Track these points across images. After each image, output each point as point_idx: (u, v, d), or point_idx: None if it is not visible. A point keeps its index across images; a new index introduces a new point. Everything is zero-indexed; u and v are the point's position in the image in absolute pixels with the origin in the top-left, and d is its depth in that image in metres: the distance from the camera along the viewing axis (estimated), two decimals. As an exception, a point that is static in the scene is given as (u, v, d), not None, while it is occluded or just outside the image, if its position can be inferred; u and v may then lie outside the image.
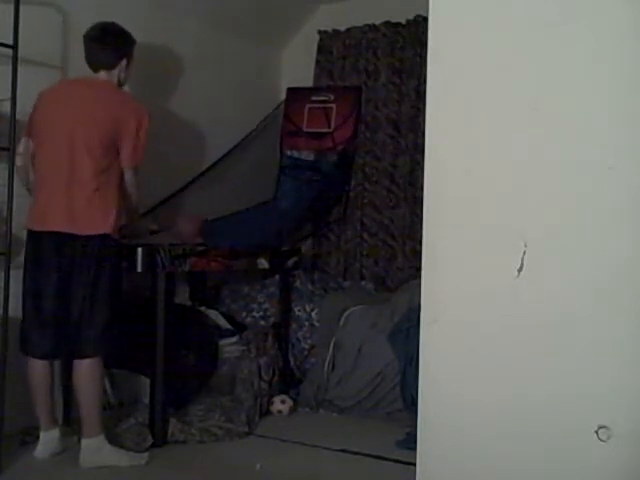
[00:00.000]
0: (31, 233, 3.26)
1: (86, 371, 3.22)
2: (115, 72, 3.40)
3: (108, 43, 3.38)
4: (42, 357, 3.26)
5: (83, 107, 3.27)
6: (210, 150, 4.67)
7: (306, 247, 5.07)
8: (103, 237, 3.22)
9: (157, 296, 3.54)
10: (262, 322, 4.52)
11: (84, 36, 3.38)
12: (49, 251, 3.22)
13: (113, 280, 3.28)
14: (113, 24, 3.43)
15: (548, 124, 1.76)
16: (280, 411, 4.12)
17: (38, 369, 3.27)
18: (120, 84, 3.45)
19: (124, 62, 3.42)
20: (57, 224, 3.21)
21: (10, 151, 3.12)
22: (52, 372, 3.34)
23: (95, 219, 3.21)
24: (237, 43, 4.95)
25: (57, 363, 3.48)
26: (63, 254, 3.21)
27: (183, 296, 4.43)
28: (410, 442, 3.19)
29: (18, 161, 3.26)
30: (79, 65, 3.45)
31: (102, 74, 3.39)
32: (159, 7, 4.28)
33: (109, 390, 3.81)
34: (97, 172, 3.22)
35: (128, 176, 3.36)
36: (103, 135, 3.24)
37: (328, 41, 5.27)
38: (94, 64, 3.39)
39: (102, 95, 3.34)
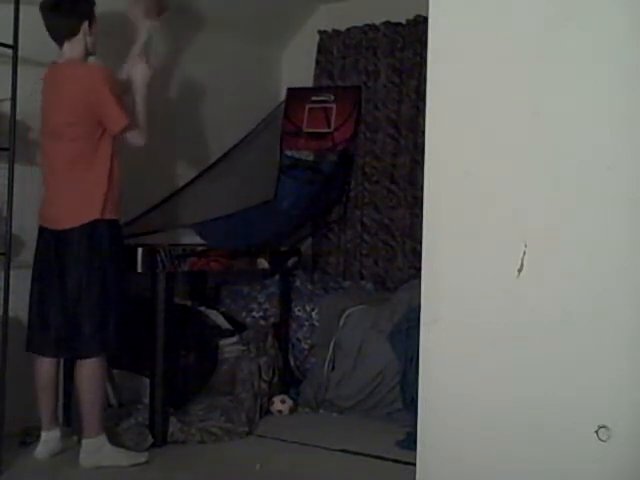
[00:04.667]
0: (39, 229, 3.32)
1: (87, 372, 3.21)
2: (80, 39, 3.24)
3: (64, 9, 3.22)
4: (45, 355, 3.26)
5: (52, 100, 3.23)
6: (210, 150, 4.67)
7: (306, 247, 5.06)
8: (86, 227, 3.16)
9: (157, 296, 3.55)
10: (262, 322, 4.52)
11: (39, 8, 3.21)
12: (42, 246, 3.27)
13: (105, 273, 3.19)
14: None
15: (547, 124, 1.77)
16: (280, 411, 4.12)
17: (44, 368, 3.28)
18: (88, 52, 3.30)
19: (86, 25, 3.24)
20: (44, 219, 3.28)
21: (10, 151, 3.12)
22: (57, 372, 3.35)
23: (73, 210, 3.18)
24: (237, 43, 4.94)
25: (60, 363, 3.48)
26: (51, 249, 3.22)
27: (183, 296, 4.42)
28: (410, 442, 3.18)
29: None
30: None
31: (66, 47, 3.25)
32: (159, 7, 4.27)
33: (109, 390, 3.80)
34: (71, 160, 3.17)
35: (128, 140, 3.26)
36: (69, 121, 3.15)
37: (328, 41, 5.26)
38: (56, 36, 3.25)
39: (61, 79, 3.23)
